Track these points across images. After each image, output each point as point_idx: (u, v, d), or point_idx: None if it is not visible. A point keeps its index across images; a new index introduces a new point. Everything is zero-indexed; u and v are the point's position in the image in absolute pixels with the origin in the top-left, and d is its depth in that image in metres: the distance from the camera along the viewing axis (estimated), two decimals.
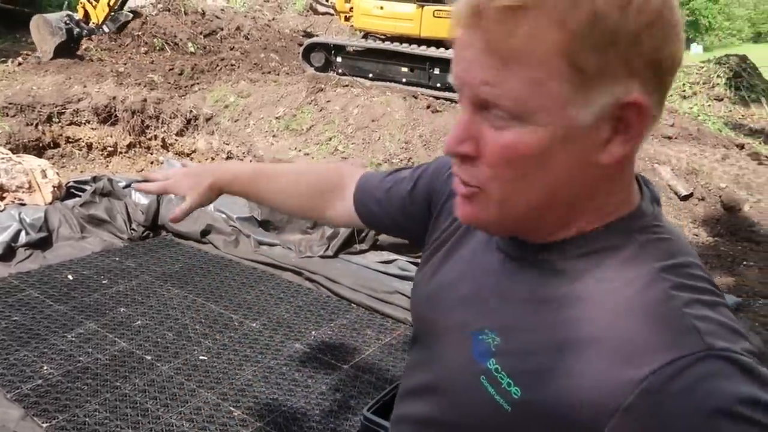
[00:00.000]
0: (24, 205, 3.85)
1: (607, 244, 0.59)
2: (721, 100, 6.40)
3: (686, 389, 0.49)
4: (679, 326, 0.52)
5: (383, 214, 0.92)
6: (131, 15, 7.22)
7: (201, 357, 2.55)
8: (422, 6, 5.65)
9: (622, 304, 0.55)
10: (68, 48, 6.40)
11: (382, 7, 5.78)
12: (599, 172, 0.57)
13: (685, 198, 3.99)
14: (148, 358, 2.52)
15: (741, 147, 5.35)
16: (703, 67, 6.96)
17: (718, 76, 6.63)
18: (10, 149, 4.42)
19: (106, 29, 6.93)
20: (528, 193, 0.58)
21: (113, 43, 6.92)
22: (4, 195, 3.87)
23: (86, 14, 6.78)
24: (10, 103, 5.00)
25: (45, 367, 2.41)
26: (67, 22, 6.49)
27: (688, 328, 0.51)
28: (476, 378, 0.63)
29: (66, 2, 8.71)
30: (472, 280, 0.69)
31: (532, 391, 0.58)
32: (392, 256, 3.60)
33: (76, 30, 6.57)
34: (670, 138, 5.33)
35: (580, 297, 0.58)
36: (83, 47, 6.66)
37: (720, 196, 3.99)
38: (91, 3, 6.70)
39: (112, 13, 6.89)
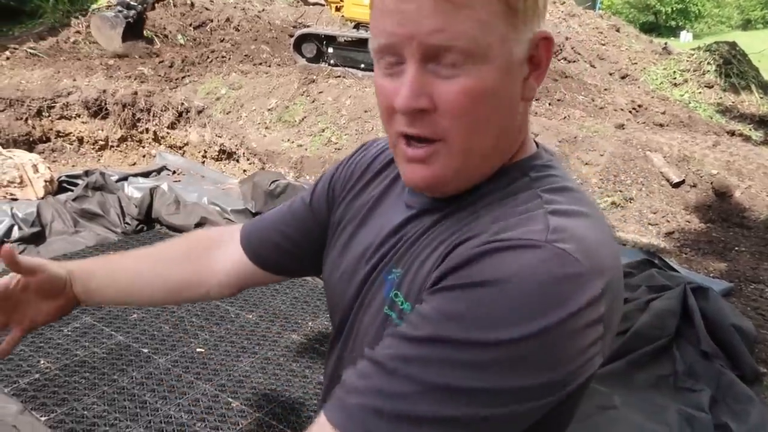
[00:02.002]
0: (16, 200, 3.83)
1: (506, 180, 0.65)
2: (712, 87, 6.43)
3: (502, 257, 0.54)
4: (537, 222, 0.57)
5: (281, 239, 0.87)
6: None
7: (198, 349, 2.56)
8: None
9: (498, 211, 0.62)
10: (132, 31, 6.34)
11: None
12: (523, 108, 0.64)
13: (677, 185, 4.02)
14: (145, 350, 2.52)
15: (732, 134, 5.38)
16: (693, 55, 6.98)
17: (708, 63, 6.65)
18: (0, 144, 4.38)
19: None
20: (487, 136, 0.62)
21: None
22: None
23: None
24: None
25: (42, 362, 2.41)
26: (120, 9, 6.43)
27: (542, 224, 0.57)
28: (382, 310, 0.68)
29: None
30: (386, 236, 0.72)
31: (417, 300, 0.62)
32: None
33: (131, 12, 6.49)
34: (661, 125, 5.36)
35: (470, 219, 0.63)
36: (71, 40, 6.59)
37: (711, 183, 4.02)
38: None
39: None
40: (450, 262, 0.57)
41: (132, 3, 6.50)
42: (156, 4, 6.89)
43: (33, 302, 0.85)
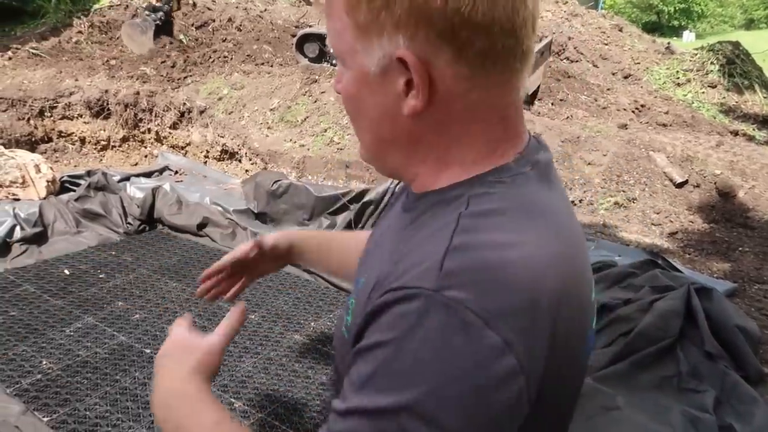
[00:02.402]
0: (18, 200, 3.83)
1: (449, 196, 0.62)
2: (715, 87, 6.41)
3: (395, 314, 0.54)
4: (432, 262, 0.54)
5: None
6: None
7: None
8: None
9: (422, 232, 0.61)
10: (161, 32, 6.44)
11: None
12: (416, 124, 0.61)
13: (680, 185, 4.00)
14: (148, 351, 2.51)
15: (735, 133, 5.37)
16: (696, 55, 6.97)
17: (711, 63, 6.63)
18: (2, 144, 4.39)
19: None
20: (362, 134, 0.67)
21: (104, 35, 6.85)
22: None
23: None
24: (0, 98, 4.95)
25: (44, 362, 2.40)
26: (148, 13, 6.49)
27: (436, 266, 0.53)
28: (342, 317, 0.72)
29: None
30: (379, 236, 0.77)
31: (354, 316, 0.67)
32: None
33: (158, 15, 6.55)
34: (664, 125, 5.35)
35: (407, 240, 0.63)
36: (73, 40, 6.59)
37: (715, 183, 4.00)
38: None
39: None
40: (366, 310, 0.58)
41: (157, 5, 6.55)
42: (180, 2, 6.91)
43: (261, 263, 1.13)
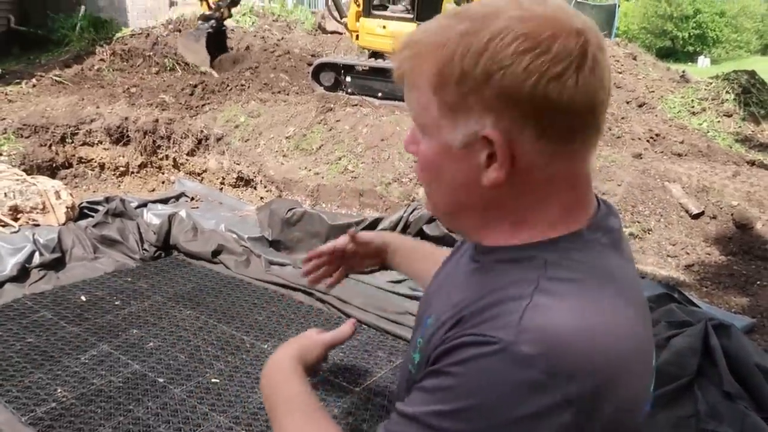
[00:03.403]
0: (38, 225, 3.90)
1: (523, 255, 0.66)
2: (731, 116, 6.38)
3: (465, 358, 0.59)
4: (512, 317, 0.58)
5: None
6: None
7: (213, 380, 2.56)
8: None
9: (500, 292, 0.63)
10: (215, 45, 6.76)
11: (384, 27, 5.85)
12: (495, 192, 0.65)
13: (696, 216, 3.97)
14: (161, 380, 2.52)
15: (752, 163, 5.32)
16: (711, 83, 6.96)
17: (726, 92, 6.62)
18: (24, 170, 4.48)
19: (222, 3, 7.09)
20: (437, 196, 0.71)
21: (125, 63, 7.02)
22: (19, 216, 3.92)
23: (206, 5, 6.93)
24: (24, 125, 5.07)
25: (59, 390, 2.42)
26: (201, 23, 6.84)
27: (515, 321, 0.58)
28: (409, 356, 0.77)
29: (78, 24, 8.85)
30: (444, 278, 0.82)
31: (422, 354, 0.72)
32: (402, 275, 3.60)
33: (210, 22, 6.80)
34: (680, 155, 5.32)
35: (482, 288, 0.66)
36: (95, 68, 6.76)
37: (732, 214, 3.96)
38: None
39: None
40: (443, 345, 0.63)
41: (208, 14, 6.80)
42: (230, 9, 7.09)
43: (358, 258, 1.22)
